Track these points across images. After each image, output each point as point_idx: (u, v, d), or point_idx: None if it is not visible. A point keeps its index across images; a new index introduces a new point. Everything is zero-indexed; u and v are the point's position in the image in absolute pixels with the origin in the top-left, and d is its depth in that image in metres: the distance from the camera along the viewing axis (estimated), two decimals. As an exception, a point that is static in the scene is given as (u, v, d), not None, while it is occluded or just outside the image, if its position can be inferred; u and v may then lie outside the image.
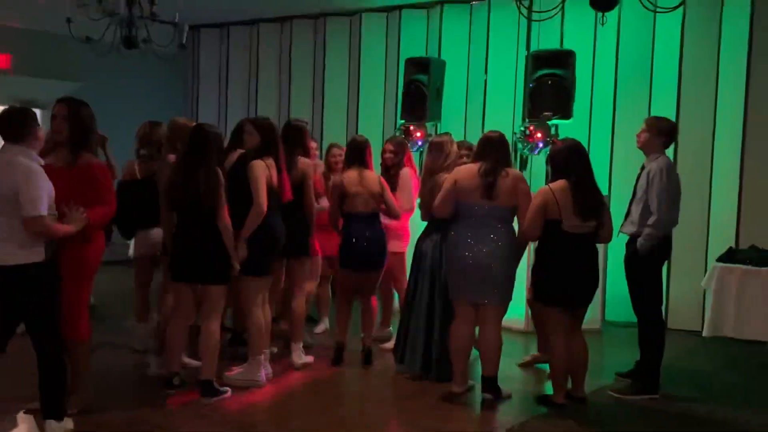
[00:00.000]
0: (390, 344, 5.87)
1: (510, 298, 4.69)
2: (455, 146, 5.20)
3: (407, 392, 4.94)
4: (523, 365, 5.73)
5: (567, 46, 7.35)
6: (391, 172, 5.82)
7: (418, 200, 5.43)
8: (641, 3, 5.21)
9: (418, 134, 7.80)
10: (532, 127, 7.04)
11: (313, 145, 6.18)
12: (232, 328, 5.93)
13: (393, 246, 5.79)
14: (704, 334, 5.97)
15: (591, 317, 6.01)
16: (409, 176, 5.94)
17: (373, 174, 5.43)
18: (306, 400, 4.75)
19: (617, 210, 5.37)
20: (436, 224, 5.06)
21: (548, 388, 4.98)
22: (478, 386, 4.87)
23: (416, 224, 5.54)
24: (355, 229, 5.30)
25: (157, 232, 5.21)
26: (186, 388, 4.79)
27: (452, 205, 4.70)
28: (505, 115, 7.96)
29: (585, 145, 5.65)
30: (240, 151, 5.16)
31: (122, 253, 6.00)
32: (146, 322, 5.53)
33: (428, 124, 7.96)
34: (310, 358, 5.53)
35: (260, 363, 4.96)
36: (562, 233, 4.54)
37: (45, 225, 3.71)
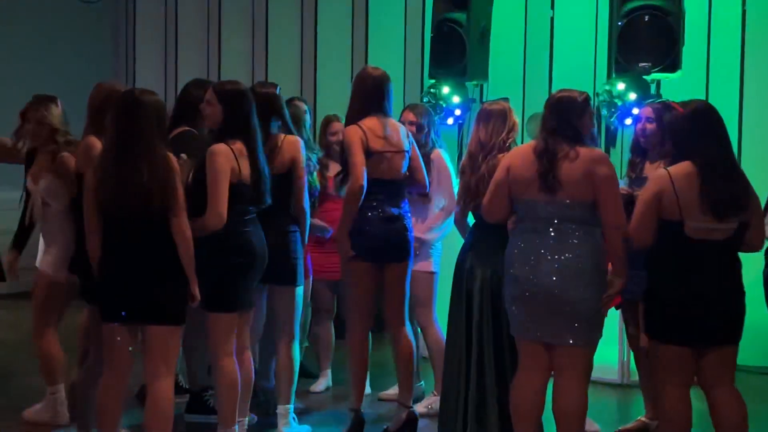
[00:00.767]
0: (425, 405, 5.91)
1: (598, 336, 4.66)
2: (517, 119, 5.27)
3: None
4: (626, 434, 5.74)
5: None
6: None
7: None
8: None
9: (455, 99, 7.76)
10: (622, 85, 6.98)
11: (336, 126, 6.33)
12: (190, 388, 5.94)
13: (418, 263, 5.81)
14: None
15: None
16: (444, 160, 5.99)
17: (398, 123, 5.52)
18: None
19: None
20: (484, 231, 5.10)
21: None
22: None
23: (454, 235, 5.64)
24: (373, 200, 5.33)
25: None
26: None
27: (506, 204, 4.76)
28: (582, 69, 7.93)
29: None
30: (181, 128, 5.24)
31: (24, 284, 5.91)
32: (57, 383, 5.64)
33: (469, 84, 7.91)
34: (304, 430, 5.55)
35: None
36: (684, 239, 4.53)
37: None
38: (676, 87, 6.97)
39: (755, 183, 4.66)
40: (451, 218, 5.82)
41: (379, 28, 9.28)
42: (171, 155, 4.63)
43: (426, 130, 5.95)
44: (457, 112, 7.81)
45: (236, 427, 4.97)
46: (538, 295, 4.57)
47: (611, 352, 6.57)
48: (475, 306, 5.09)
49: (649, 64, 6.93)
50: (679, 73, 6.98)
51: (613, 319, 6.03)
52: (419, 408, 5.81)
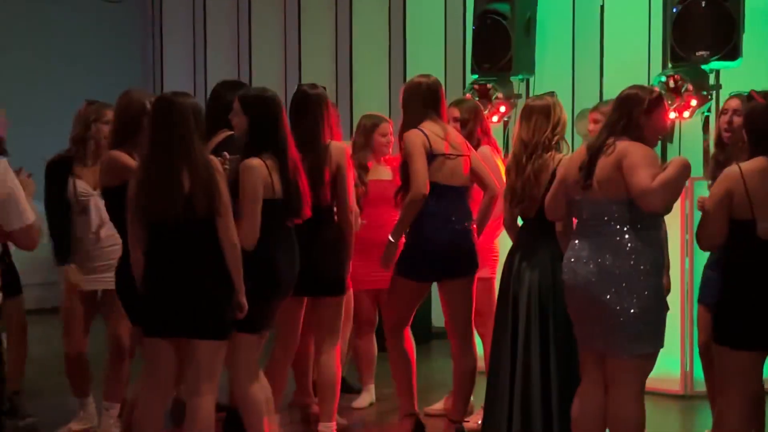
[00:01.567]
0: (476, 421, 5.79)
1: (649, 345, 4.61)
2: (565, 114, 5.24)
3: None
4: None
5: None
6: None
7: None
8: None
9: (499, 95, 7.77)
10: (677, 76, 6.94)
11: (384, 130, 6.27)
12: (229, 406, 5.81)
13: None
14: None
15: None
16: (493, 156, 5.99)
17: (454, 129, 5.55)
18: None
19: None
20: (531, 234, 5.13)
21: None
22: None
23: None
24: (433, 212, 5.32)
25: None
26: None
27: (563, 205, 4.79)
28: (635, 60, 7.94)
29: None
30: (226, 132, 5.26)
31: (51, 299, 5.93)
32: (87, 396, 5.77)
33: (514, 79, 7.92)
34: None
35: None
36: (756, 241, 4.48)
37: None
38: (736, 76, 6.93)
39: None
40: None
41: (418, 21, 9.34)
42: (212, 157, 4.65)
43: (471, 123, 5.93)
44: (502, 108, 7.83)
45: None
46: (580, 302, 4.61)
47: (672, 361, 6.49)
48: (522, 312, 5.10)
49: (707, 53, 6.88)
50: (739, 61, 6.92)
51: (674, 326, 5.95)
52: (469, 424, 5.76)
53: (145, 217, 4.61)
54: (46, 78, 9.85)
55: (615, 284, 4.51)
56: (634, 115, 4.58)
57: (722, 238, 4.54)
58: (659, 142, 5.04)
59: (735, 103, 5.50)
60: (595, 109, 5.76)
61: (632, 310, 4.50)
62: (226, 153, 4.96)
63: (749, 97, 5.30)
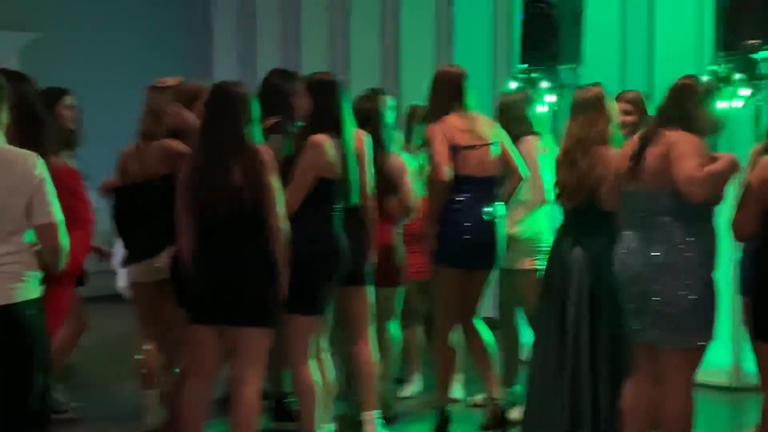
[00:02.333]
0: (516, 413, 5.82)
1: (700, 337, 4.57)
2: (614, 104, 5.22)
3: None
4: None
5: None
6: None
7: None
8: None
9: (547, 84, 7.86)
10: (728, 66, 6.92)
11: None
12: (272, 394, 5.98)
13: (521, 260, 5.87)
14: None
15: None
16: (533, 149, 6.02)
17: (485, 117, 5.55)
18: None
19: None
20: (585, 223, 5.10)
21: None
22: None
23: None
24: (464, 202, 5.36)
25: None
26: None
27: (619, 194, 4.75)
28: (685, 49, 7.84)
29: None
30: (275, 119, 5.27)
31: (105, 287, 5.97)
32: (153, 387, 5.75)
33: (562, 68, 7.90)
34: None
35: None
36: None
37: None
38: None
39: None
40: (541, 212, 5.96)
41: (466, 11, 9.29)
42: (261, 148, 4.65)
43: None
44: (550, 98, 7.82)
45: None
46: (632, 293, 4.57)
47: (722, 353, 6.46)
48: (571, 305, 5.08)
49: (759, 42, 6.76)
50: (790, 50, 6.90)
51: (724, 318, 5.90)
52: (515, 413, 5.77)
53: (194, 206, 4.65)
54: (95, 72, 9.97)
55: (666, 276, 4.48)
56: (687, 106, 4.56)
57: (756, 228, 4.49)
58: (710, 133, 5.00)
59: None
60: (621, 98, 5.59)
61: (683, 303, 4.47)
62: (275, 135, 5.01)
63: None
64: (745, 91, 6.86)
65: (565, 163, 5.14)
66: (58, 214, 3.91)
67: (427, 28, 9.48)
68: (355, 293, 5.37)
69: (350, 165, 5.00)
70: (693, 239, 4.51)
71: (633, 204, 4.61)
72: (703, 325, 4.54)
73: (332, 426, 5.52)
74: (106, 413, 6.09)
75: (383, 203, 5.64)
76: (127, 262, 5.55)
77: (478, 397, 6.20)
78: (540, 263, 5.99)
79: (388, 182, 5.62)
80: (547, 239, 5.97)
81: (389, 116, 5.90)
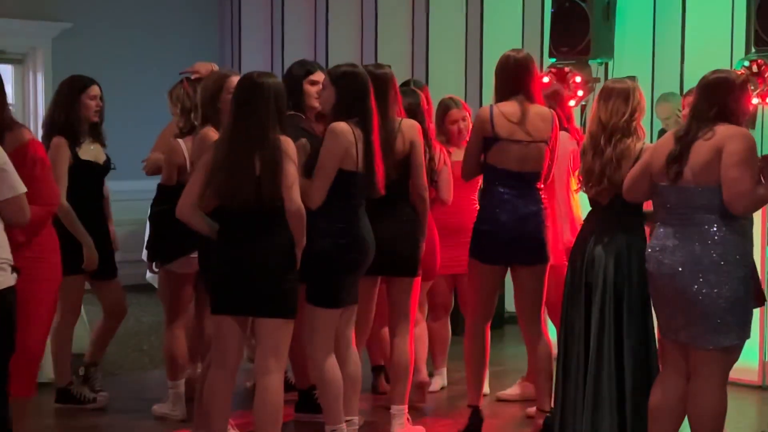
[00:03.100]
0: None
1: (735, 337, 4.54)
2: (644, 99, 5.12)
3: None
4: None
5: None
6: None
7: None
8: None
9: (577, 79, 7.74)
10: (761, 61, 6.89)
11: (454, 117, 6.23)
12: (298, 386, 5.97)
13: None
14: None
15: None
16: (569, 142, 5.98)
17: (546, 110, 5.40)
18: None
19: None
20: (608, 219, 5.05)
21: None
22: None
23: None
24: (501, 196, 5.27)
25: None
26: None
27: (645, 190, 4.73)
28: (717, 44, 7.89)
29: None
30: (289, 112, 5.23)
31: (133, 276, 6.00)
32: (178, 379, 5.80)
33: (593, 63, 7.89)
34: (419, 431, 5.53)
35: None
36: None
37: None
38: (822, 62, 6.81)
39: None
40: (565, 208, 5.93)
41: (496, 4, 9.23)
42: (284, 138, 4.62)
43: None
44: (580, 92, 7.74)
45: (344, 425, 4.97)
46: (666, 291, 4.54)
47: (751, 351, 6.34)
48: (596, 302, 5.01)
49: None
50: (826, 47, 6.82)
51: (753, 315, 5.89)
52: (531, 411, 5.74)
53: (216, 195, 4.65)
54: (125, 62, 10.01)
55: (703, 274, 4.46)
56: (727, 102, 4.52)
57: None
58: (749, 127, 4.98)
59: None
60: (689, 93, 5.51)
61: (720, 301, 4.45)
62: (304, 139, 4.96)
63: None
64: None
65: (590, 149, 5.07)
66: (22, 186, 4.15)
67: (457, 21, 9.41)
68: (402, 284, 5.35)
69: (373, 156, 4.93)
70: (733, 236, 4.49)
71: (671, 200, 4.56)
72: (739, 324, 4.50)
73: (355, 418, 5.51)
74: (134, 402, 6.10)
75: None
76: (170, 255, 5.58)
77: (506, 392, 6.20)
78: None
79: (431, 175, 5.62)
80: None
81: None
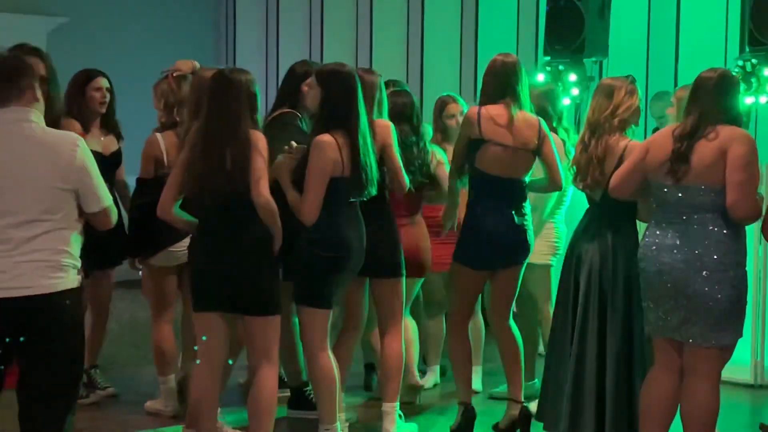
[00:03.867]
0: (533, 404, 5.75)
1: (732, 335, 4.56)
2: (636, 98, 5.06)
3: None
4: (759, 441, 5.69)
5: None
6: None
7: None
8: None
9: (572, 77, 7.80)
10: (755, 60, 7.00)
11: (450, 112, 6.24)
12: (291, 383, 5.96)
13: (534, 255, 5.64)
14: None
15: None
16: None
17: (533, 117, 5.33)
18: None
19: None
20: (593, 214, 5.07)
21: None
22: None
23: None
24: (489, 203, 5.24)
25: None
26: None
27: (636, 185, 4.70)
28: (711, 44, 7.90)
29: None
30: (280, 110, 5.31)
31: (129, 271, 6.02)
32: (167, 374, 5.81)
33: (587, 61, 7.93)
34: (411, 429, 5.55)
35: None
36: None
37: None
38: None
39: None
40: (557, 206, 5.95)
41: (491, 1, 9.25)
42: (256, 133, 4.61)
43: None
44: (575, 91, 7.80)
45: (338, 424, 4.97)
46: (665, 290, 4.51)
47: (743, 350, 6.36)
48: (580, 300, 5.01)
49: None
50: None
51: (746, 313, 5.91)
52: (534, 408, 5.62)
53: (188, 188, 4.67)
54: (120, 57, 10.01)
55: (706, 273, 4.45)
56: (729, 101, 4.51)
57: None
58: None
59: None
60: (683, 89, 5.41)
61: (722, 300, 4.44)
62: (293, 142, 4.94)
63: None
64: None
65: (579, 143, 5.07)
66: (107, 198, 4.02)
67: (452, 19, 9.42)
68: (388, 285, 5.34)
69: (363, 158, 4.89)
70: (734, 236, 4.50)
71: (672, 199, 4.53)
72: (737, 323, 4.52)
73: (351, 415, 5.55)
74: (128, 398, 6.10)
75: (422, 195, 5.68)
76: (152, 249, 5.57)
77: (497, 390, 6.19)
78: (554, 259, 6.00)
79: (428, 175, 5.62)
80: (562, 234, 6.00)
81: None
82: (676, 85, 7.95)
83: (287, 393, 5.87)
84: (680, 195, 4.49)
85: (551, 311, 5.74)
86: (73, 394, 4.03)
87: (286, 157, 4.87)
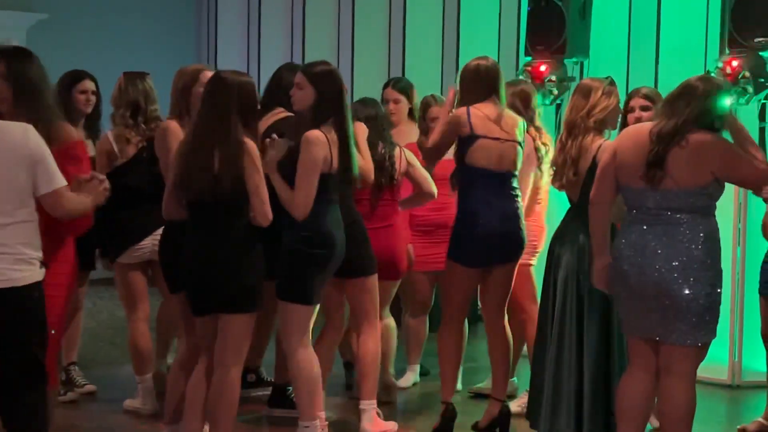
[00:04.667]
0: (519, 404, 5.86)
1: (709, 335, 4.55)
2: (613, 99, 5.08)
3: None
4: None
5: None
6: None
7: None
8: None
9: (553, 78, 7.73)
10: (734, 61, 6.83)
11: (433, 114, 6.18)
12: (274, 381, 6.00)
13: None
14: None
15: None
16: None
17: (516, 116, 5.42)
18: None
19: None
20: (570, 214, 5.10)
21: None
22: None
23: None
24: (481, 197, 5.22)
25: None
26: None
27: (611, 189, 4.63)
28: (691, 45, 7.82)
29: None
30: (280, 112, 5.29)
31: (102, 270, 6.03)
32: (147, 371, 5.82)
33: (568, 62, 7.89)
34: (390, 426, 5.52)
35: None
36: None
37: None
38: (796, 65, 6.80)
39: None
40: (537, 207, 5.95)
41: (472, 3, 9.23)
42: (248, 140, 4.62)
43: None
44: (555, 91, 7.74)
45: (317, 421, 4.98)
46: (646, 290, 4.50)
47: (720, 350, 6.38)
48: (558, 296, 5.05)
49: (766, 40, 6.74)
50: (797, 49, 6.85)
51: (723, 315, 5.91)
52: (513, 406, 5.76)
53: (179, 190, 4.70)
54: (99, 55, 9.98)
55: (685, 273, 4.44)
56: (704, 105, 4.45)
57: None
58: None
59: None
60: (636, 94, 5.54)
61: (700, 300, 4.44)
62: (275, 135, 4.97)
63: None
64: (751, 89, 6.80)
65: (558, 142, 5.11)
66: (60, 180, 4.01)
67: (434, 20, 9.40)
68: (359, 284, 5.37)
69: (350, 155, 4.96)
70: (711, 237, 4.51)
71: (649, 203, 4.51)
72: (714, 323, 4.53)
73: (330, 414, 5.55)
74: (106, 396, 6.11)
75: (393, 195, 5.69)
76: (118, 249, 5.63)
77: (478, 386, 6.22)
78: (535, 258, 6.01)
79: (392, 175, 5.64)
80: (542, 234, 6.00)
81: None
82: (656, 86, 7.97)
83: (268, 391, 5.90)
84: (656, 198, 4.48)
85: (536, 311, 5.79)
86: (43, 386, 4.05)
87: (273, 150, 4.88)
